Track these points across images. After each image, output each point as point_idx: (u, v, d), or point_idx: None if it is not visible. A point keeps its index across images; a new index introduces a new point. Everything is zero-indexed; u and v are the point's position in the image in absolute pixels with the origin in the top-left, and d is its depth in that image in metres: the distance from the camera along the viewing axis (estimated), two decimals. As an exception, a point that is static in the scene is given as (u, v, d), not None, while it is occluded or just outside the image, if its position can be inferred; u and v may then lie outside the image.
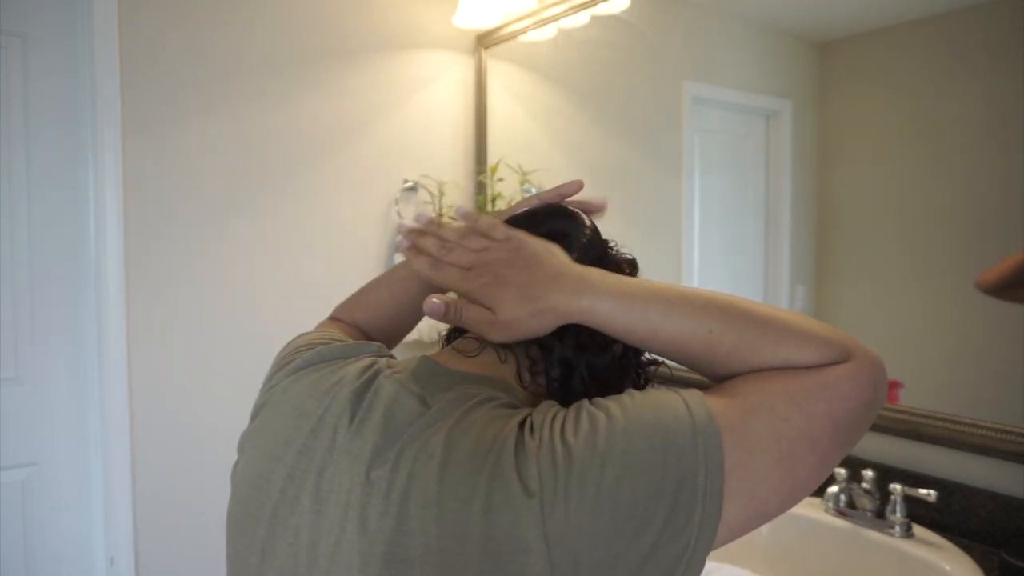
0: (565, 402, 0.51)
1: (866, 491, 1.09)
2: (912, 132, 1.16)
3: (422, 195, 2.02)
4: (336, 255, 1.89)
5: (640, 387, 0.62)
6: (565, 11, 1.76)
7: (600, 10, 1.70)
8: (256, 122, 1.75)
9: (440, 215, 1.99)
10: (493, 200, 1.98)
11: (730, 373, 0.51)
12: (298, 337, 0.69)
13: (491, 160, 2.02)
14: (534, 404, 0.53)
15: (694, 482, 0.43)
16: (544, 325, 0.52)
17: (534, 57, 1.95)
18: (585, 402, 0.49)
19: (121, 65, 1.56)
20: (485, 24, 1.96)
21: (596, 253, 0.60)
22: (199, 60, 1.67)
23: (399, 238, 0.65)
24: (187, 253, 1.67)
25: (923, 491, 1.03)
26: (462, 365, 0.56)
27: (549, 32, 1.87)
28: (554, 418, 0.47)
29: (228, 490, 0.60)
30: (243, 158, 1.74)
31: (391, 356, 0.63)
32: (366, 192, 1.93)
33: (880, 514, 1.07)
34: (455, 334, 0.64)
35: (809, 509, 1.16)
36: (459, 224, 0.59)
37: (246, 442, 0.61)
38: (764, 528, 1.19)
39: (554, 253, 0.55)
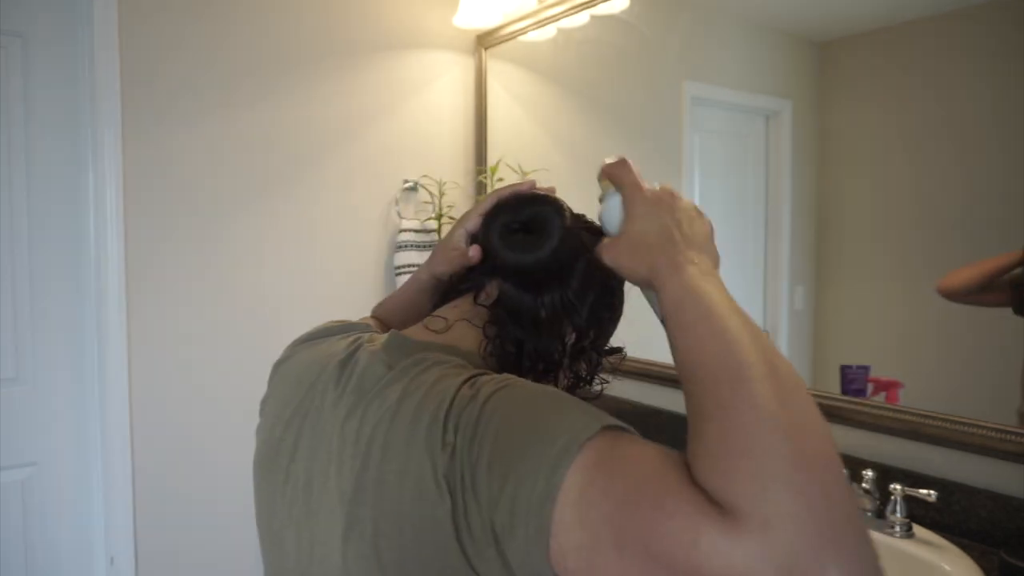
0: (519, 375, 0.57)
1: (866, 491, 1.09)
2: (912, 132, 1.16)
3: (422, 195, 2.02)
4: (336, 254, 1.89)
5: (592, 371, 0.69)
6: (565, 11, 1.76)
7: (600, 10, 1.70)
8: (255, 122, 1.75)
9: (440, 215, 1.99)
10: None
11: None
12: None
13: (491, 160, 2.02)
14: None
15: (532, 486, 0.44)
16: (641, 271, 0.56)
17: (534, 57, 1.95)
18: (522, 381, 0.53)
19: (121, 65, 1.56)
20: (485, 24, 1.96)
21: (573, 247, 0.65)
22: (199, 60, 1.67)
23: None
24: (187, 253, 1.67)
25: (923, 491, 1.02)
26: (426, 337, 0.64)
27: (549, 32, 1.87)
28: (489, 382, 0.52)
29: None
30: (243, 158, 1.74)
31: (375, 331, 0.72)
32: (366, 192, 1.93)
33: (880, 514, 1.07)
34: (429, 311, 0.71)
35: (809, 509, 1.15)
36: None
37: (264, 405, 0.71)
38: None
39: (701, 223, 0.58)
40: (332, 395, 0.61)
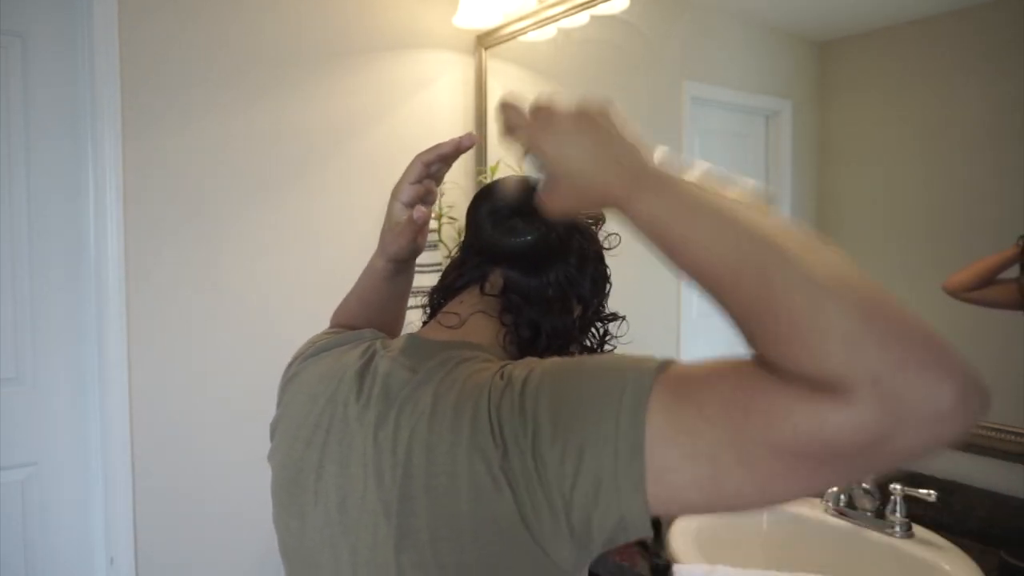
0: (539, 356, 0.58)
1: (866, 491, 1.09)
2: (912, 132, 1.16)
3: (422, 195, 2.01)
4: (335, 254, 1.88)
5: (600, 339, 0.70)
6: (565, 11, 1.76)
7: (600, 10, 1.70)
8: (256, 122, 1.75)
9: (440, 215, 1.99)
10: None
11: (738, 324, 0.45)
12: (317, 333, 0.77)
13: (491, 160, 2.02)
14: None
15: (612, 443, 0.44)
16: (590, 199, 0.51)
17: (534, 57, 1.95)
18: (555, 359, 0.54)
19: (121, 65, 1.56)
20: (485, 24, 1.96)
21: (566, 224, 0.66)
22: (199, 60, 1.67)
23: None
24: (187, 253, 1.67)
25: (923, 491, 1.03)
26: (445, 335, 0.63)
27: (549, 32, 1.87)
28: (523, 367, 0.53)
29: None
30: (243, 158, 1.74)
31: (385, 337, 0.70)
32: (366, 192, 1.93)
33: (880, 514, 1.08)
34: (435, 310, 0.70)
35: (809, 509, 1.16)
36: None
37: (276, 428, 0.69)
38: (764, 526, 1.19)
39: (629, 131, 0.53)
40: (355, 407, 0.60)
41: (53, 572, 1.58)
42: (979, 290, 1.06)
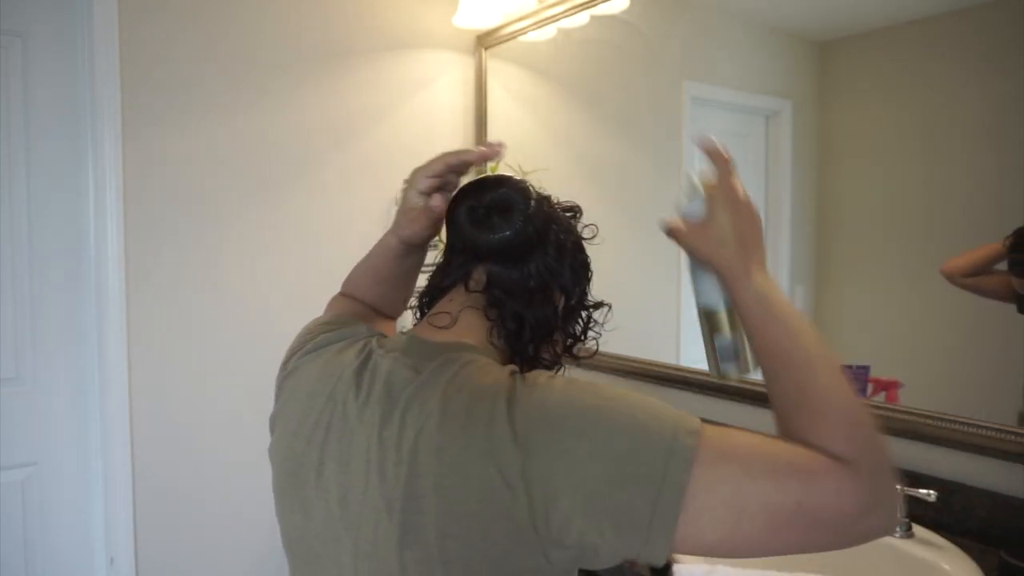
0: (523, 354, 0.65)
1: (866, 491, 1.09)
2: (912, 132, 1.16)
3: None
4: (335, 254, 1.88)
5: (585, 327, 0.73)
6: (565, 11, 1.76)
7: (600, 10, 1.70)
8: (256, 122, 1.75)
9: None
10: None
11: (775, 411, 0.57)
12: (311, 322, 0.78)
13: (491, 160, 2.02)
14: (504, 360, 0.65)
15: (653, 487, 0.49)
16: (718, 262, 0.62)
17: (534, 57, 1.95)
18: (580, 377, 0.57)
19: (121, 65, 1.56)
20: (485, 24, 1.96)
21: (543, 217, 0.68)
22: (199, 60, 1.67)
23: None
24: (187, 253, 1.67)
25: (923, 491, 1.03)
26: (440, 335, 0.65)
27: (549, 32, 1.87)
28: (550, 377, 0.56)
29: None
30: (243, 158, 1.74)
31: (381, 335, 0.72)
32: (366, 192, 1.93)
33: (880, 514, 1.07)
34: (424, 310, 0.73)
35: (809, 509, 1.16)
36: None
37: (275, 423, 0.70)
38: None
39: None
40: (355, 405, 0.61)
41: (53, 572, 1.58)
42: (974, 277, 1.07)
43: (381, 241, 0.81)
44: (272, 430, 0.70)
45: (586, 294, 0.73)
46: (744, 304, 0.60)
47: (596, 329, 0.74)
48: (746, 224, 0.63)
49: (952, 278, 1.09)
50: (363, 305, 0.84)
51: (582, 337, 0.74)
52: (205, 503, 1.69)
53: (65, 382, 1.59)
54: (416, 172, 0.72)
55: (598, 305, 0.74)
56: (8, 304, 1.53)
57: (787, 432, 0.55)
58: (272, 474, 0.68)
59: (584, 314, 0.73)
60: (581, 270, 0.72)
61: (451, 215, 0.70)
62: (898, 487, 0.55)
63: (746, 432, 0.54)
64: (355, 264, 0.86)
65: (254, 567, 1.76)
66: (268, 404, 0.74)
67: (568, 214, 0.73)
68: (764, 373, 0.59)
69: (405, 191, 0.73)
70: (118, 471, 1.58)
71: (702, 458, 0.49)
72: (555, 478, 0.50)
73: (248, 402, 1.70)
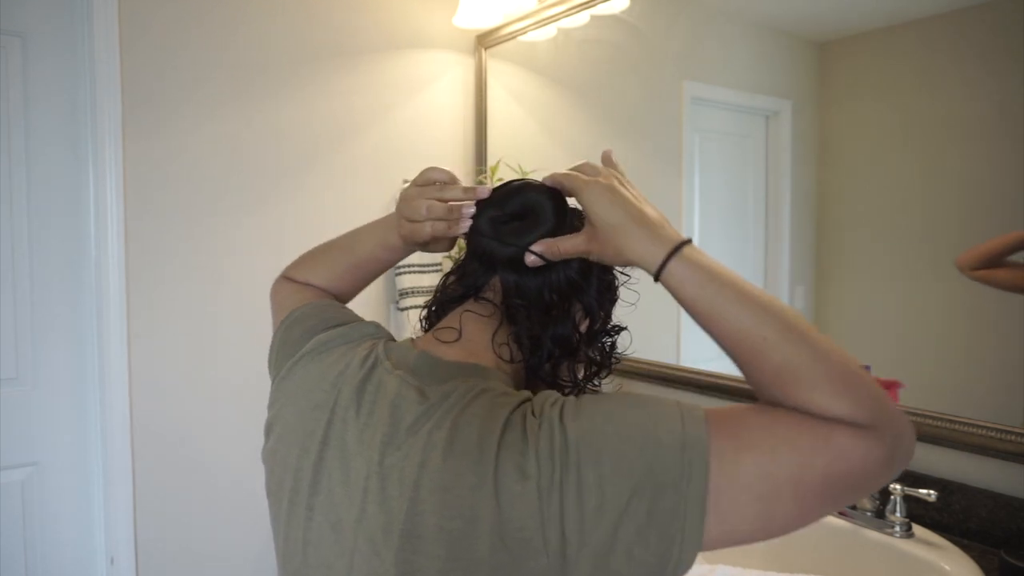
0: (540, 373, 0.61)
1: (866, 491, 1.09)
2: (911, 132, 1.16)
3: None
4: (336, 255, 1.89)
5: (608, 355, 0.68)
6: (565, 11, 1.76)
7: (600, 10, 1.70)
8: (255, 122, 1.75)
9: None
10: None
11: (765, 396, 0.52)
12: (306, 307, 0.75)
13: (491, 160, 2.02)
14: (518, 380, 0.62)
15: (676, 492, 0.47)
16: (621, 254, 0.58)
17: (534, 57, 1.95)
18: (586, 396, 0.53)
19: (121, 65, 1.56)
20: (485, 24, 1.96)
21: (569, 230, 0.64)
22: (199, 60, 1.67)
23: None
24: (187, 252, 1.67)
25: (923, 491, 1.03)
26: (450, 353, 0.61)
27: (549, 32, 1.87)
28: (553, 405, 0.52)
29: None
30: (243, 158, 1.74)
31: (389, 337, 0.69)
32: (366, 192, 1.93)
33: (880, 514, 1.08)
34: (433, 319, 0.69)
35: (809, 509, 1.15)
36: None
37: (271, 426, 0.66)
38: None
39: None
40: (355, 425, 0.58)
41: (53, 572, 1.58)
42: (986, 270, 1.06)
43: (374, 239, 0.78)
44: (268, 433, 0.67)
45: (610, 318, 0.68)
46: (679, 285, 0.54)
47: (617, 356, 0.70)
48: (627, 205, 0.58)
49: (963, 270, 1.08)
50: (321, 291, 0.82)
51: (607, 364, 0.69)
52: (205, 503, 1.69)
53: (65, 382, 1.59)
54: (421, 182, 0.70)
55: (619, 330, 0.69)
56: (8, 304, 1.53)
57: (778, 404, 0.51)
58: (265, 479, 0.65)
59: (607, 340, 0.68)
60: (606, 291, 0.68)
61: (474, 224, 0.67)
62: (907, 419, 0.51)
63: (751, 411, 0.51)
64: (315, 252, 0.85)
65: (254, 567, 1.76)
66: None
67: None
68: (738, 357, 0.53)
69: (412, 201, 0.69)
70: (118, 471, 1.58)
71: (715, 451, 0.48)
72: (572, 503, 0.47)
73: (248, 403, 1.70)
